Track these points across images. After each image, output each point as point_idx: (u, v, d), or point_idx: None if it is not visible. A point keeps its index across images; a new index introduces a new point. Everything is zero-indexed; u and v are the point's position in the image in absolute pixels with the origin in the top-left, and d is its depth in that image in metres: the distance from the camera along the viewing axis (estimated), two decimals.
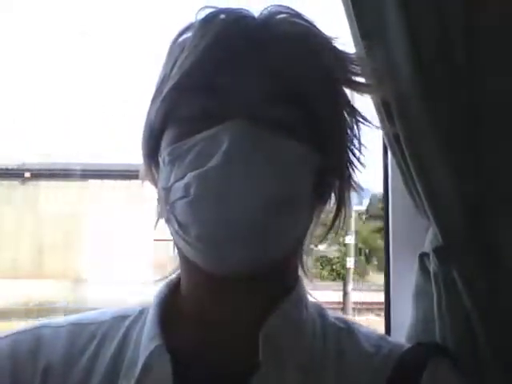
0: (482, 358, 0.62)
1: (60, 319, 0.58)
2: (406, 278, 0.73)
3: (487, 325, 0.62)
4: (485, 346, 0.62)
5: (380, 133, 0.70)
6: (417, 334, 0.68)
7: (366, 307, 6.65)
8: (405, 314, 0.71)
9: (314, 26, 0.54)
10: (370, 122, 0.56)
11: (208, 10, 0.52)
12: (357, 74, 0.54)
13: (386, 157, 0.78)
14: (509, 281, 0.63)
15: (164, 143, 0.52)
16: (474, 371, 0.61)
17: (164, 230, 0.53)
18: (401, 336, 0.71)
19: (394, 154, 0.68)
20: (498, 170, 0.64)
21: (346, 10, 0.69)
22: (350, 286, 7.47)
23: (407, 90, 0.64)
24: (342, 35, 0.56)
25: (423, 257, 0.68)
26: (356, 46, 0.67)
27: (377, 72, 0.55)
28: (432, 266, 0.66)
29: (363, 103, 0.57)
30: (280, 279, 0.54)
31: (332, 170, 0.54)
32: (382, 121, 0.65)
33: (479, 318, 0.62)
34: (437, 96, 0.63)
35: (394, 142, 0.67)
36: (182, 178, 0.48)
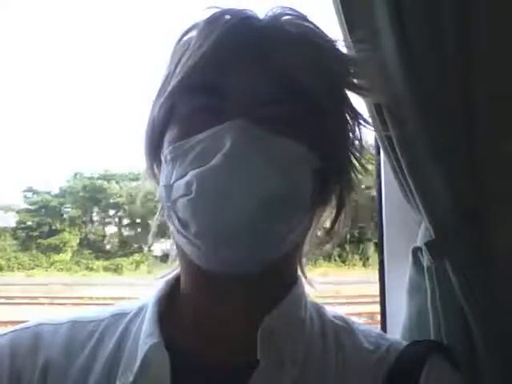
0: (476, 351, 0.63)
1: (59, 317, 0.58)
2: (401, 273, 0.73)
3: (480, 319, 0.63)
4: (478, 340, 0.63)
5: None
6: (411, 329, 0.68)
7: None
8: (399, 309, 0.72)
9: (318, 28, 0.54)
10: (371, 125, 0.57)
11: (213, 11, 0.52)
12: (359, 77, 0.55)
13: (378, 153, 0.78)
14: (501, 274, 0.64)
15: (166, 141, 0.53)
16: (468, 365, 0.62)
17: None
18: (396, 330, 0.71)
19: (386, 153, 0.68)
20: (489, 169, 0.65)
21: (338, 18, 0.68)
22: None
23: (400, 92, 0.64)
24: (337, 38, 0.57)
25: (416, 251, 0.69)
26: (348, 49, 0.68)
27: (373, 75, 0.56)
28: (425, 260, 0.67)
29: (355, 104, 0.57)
30: (279, 279, 0.54)
31: (333, 172, 0.54)
32: (374, 122, 0.65)
33: (472, 311, 0.63)
34: (430, 97, 0.64)
35: (386, 142, 0.67)
36: (184, 176, 0.49)
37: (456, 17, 0.65)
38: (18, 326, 0.57)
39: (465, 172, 0.65)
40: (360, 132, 0.56)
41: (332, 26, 0.60)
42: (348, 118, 0.56)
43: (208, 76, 0.50)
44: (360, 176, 0.57)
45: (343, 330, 0.56)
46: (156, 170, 0.57)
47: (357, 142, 0.56)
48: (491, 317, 0.63)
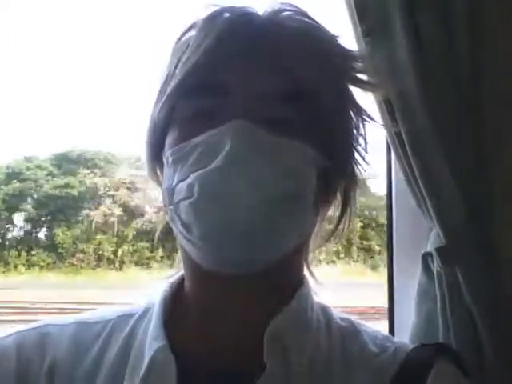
0: (486, 357, 0.62)
1: (66, 318, 0.58)
2: (410, 278, 0.72)
3: (490, 325, 0.62)
4: (488, 346, 0.62)
5: (384, 132, 0.70)
6: (420, 334, 0.67)
7: None
8: (408, 314, 0.71)
9: (319, 24, 0.53)
10: (375, 121, 0.56)
11: (212, 8, 0.52)
12: (362, 72, 0.53)
13: (389, 156, 0.77)
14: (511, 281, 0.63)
15: (168, 143, 0.52)
16: (477, 371, 0.61)
17: None
18: (404, 336, 0.70)
19: (396, 153, 0.68)
20: (501, 170, 0.64)
21: (349, 7, 0.69)
22: None
23: (410, 88, 0.63)
24: (343, 33, 0.56)
25: (427, 257, 0.68)
26: (358, 43, 0.67)
27: (380, 70, 0.55)
28: (435, 265, 0.66)
29: (364, 101, 0.56)
30: (284, 279, 0.53)
31: (337, 170, 0.53)
32: (384, 119, 0.65)
33: (482, 318, 0.62)
34: (440, 94, 0.63)
35: (396, 141, 0.66)
36: (186, 178, 0.48)
37: (468, 13, 0.64)
38: (23, 327, 0.57)
39: (476, 173, 0.64)
40: (364, 128, 0.55)
41: (335, 22, 0.59)
42: (352, 114, 0.54)
43: (207, 76, 0.50)
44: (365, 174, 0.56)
45: (349, 332, 0.55)
46: (158, 172, 0.57)
47: (361, 138, 0.55)
48: (501, 324, 0.62)
